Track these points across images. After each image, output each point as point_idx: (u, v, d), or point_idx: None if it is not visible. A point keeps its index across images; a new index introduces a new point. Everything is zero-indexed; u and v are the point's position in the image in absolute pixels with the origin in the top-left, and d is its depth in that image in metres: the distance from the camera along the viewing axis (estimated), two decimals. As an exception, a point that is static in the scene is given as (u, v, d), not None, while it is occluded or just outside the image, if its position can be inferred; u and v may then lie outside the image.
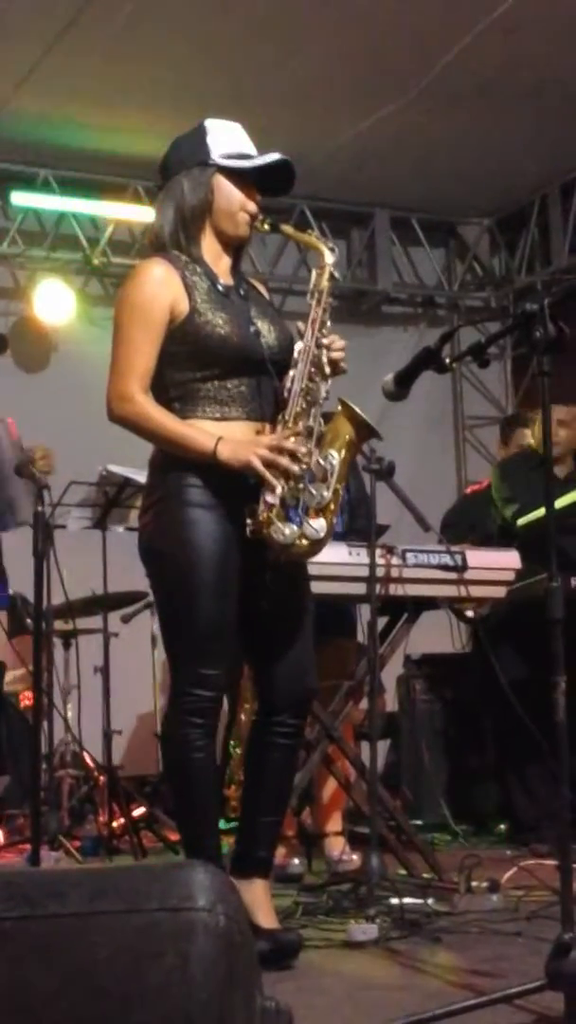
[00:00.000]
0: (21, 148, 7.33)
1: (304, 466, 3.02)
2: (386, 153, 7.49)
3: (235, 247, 3.28)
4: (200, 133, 3.22)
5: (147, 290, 3.11)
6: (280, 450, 3.00)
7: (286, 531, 3.01)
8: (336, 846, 4.61)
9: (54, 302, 7.62)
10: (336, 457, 3.09)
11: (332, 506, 3.07)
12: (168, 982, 1.22)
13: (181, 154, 3.24)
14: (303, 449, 3.03)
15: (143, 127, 6.72)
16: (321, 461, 3.07)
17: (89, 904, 1.26)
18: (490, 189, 8.28)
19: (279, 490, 3.00)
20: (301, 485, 3.03)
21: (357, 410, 3.16)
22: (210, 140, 3.19)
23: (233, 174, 3.18)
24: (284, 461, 2.99)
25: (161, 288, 3.09)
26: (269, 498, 3.01)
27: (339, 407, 3.18)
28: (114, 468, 5.20)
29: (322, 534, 3.03)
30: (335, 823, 4.72)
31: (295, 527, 3.01)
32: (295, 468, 3.00)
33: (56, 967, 1.24)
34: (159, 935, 1.24)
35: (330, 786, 4.68)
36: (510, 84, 6.81)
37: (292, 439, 3.03)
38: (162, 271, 3.12)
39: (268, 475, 2.99)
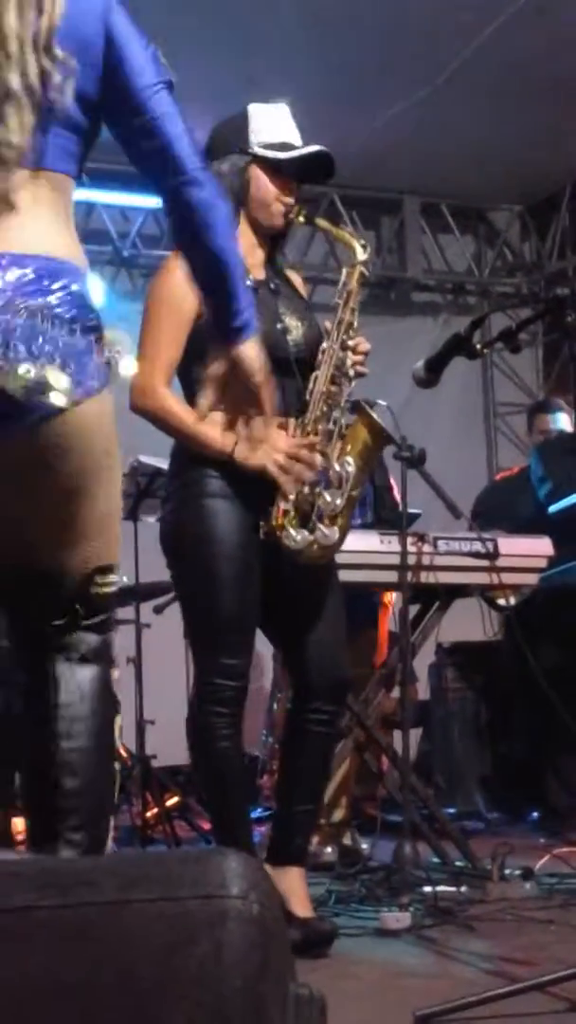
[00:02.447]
0: (51, 140, 7.33)
1: (319, 473, 3.03)
2: (415, 140, 7.46)
3: (272, 237, 3.27)
4: (241, 119, 3.20)
5: (177, 283, 3.09)
6: (296, 457, 3.00)
7: (297, 537, 3.04)
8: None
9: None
10: (352, 464, 3.09)
11: (346, 512, 3.09)
12: (202, 970, 1.22)
13: (221, 139, 3.22)
14: (318, 457, 3.04)
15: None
16: (337, 467, 3.08)
17: (122, 892, 1.26)
18: (520, 175, 8.23)
19: (292, 496, 3.01)
20: (317, 491, 3.03)
21: (375, 416, 3.16)
22: (251, 127, 3.17)
23: (270, 164, 3.16)
24: (299, 468, 2.99)
25: (190, 281, 3.09)
26: (282, 504, 3.03)
27: (359, 413, 3.18)
28: (145, 459, 5.20)
29: (333, 540, 3.06)
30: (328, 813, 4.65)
31: (307, 533, 3.03)
32: (309, 476, 3.01)
33: (89, 956, 1.24)
34: (192, 923, 1.25)
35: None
36: (540, 68, 6.77)
37: (309, 445, 3.03)
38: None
39: (283, 480, 3.00)
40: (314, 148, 3.18)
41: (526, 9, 6.18)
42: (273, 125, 3.19)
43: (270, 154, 3.16)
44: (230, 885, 1.26)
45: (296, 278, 3.39)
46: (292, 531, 3.04)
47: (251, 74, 6.33)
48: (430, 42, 6.52)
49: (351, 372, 3.12)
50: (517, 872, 3.77)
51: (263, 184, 3.17)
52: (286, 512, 3.04)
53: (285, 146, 3.17)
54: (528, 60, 6.68)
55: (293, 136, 3.20)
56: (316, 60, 6.59)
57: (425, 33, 6.42)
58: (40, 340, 1.89)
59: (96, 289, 7.77)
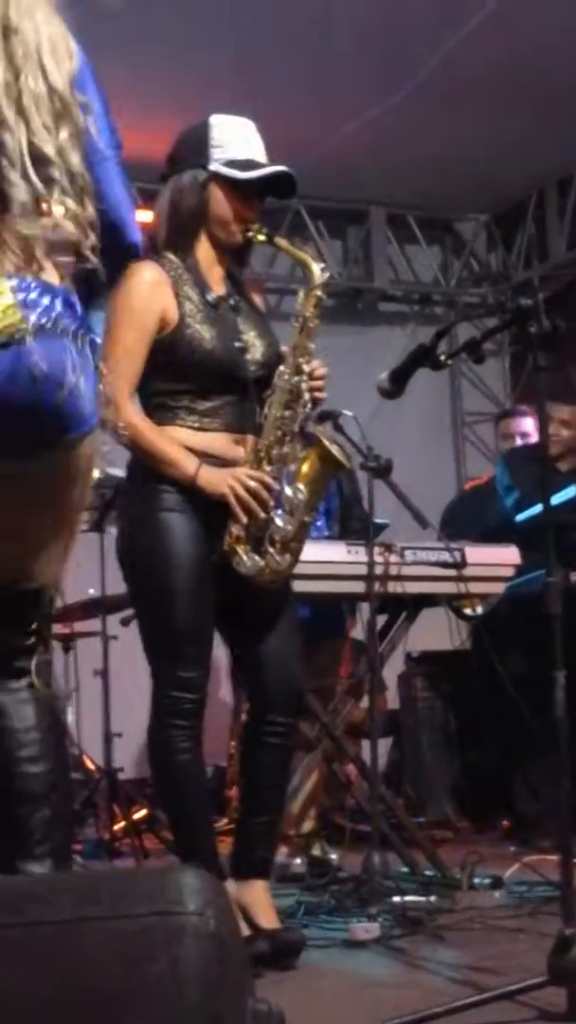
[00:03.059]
0: (15, 151, 7.31)
1: (272, 501, 3.04)
2: (381, 150, 7.47)
3: (233, 252, 3.26)
4: (203, 131, 3.16)
5: (140, 295, 3.09)
6: (252, 490, 3.01)
7: (248, 562, 3.06)
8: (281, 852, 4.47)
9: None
10: (304, 491, 3.10)
11: (298, 538, 3.10)
12: (159, 986, 1.21)
13: (183, 151, 3.20)
14: (275, 485, 3.05)
15: (142, 126, 6.69)
16: (290, 493, 3.08)
17: (78, 910, 1.25)
18: (486, 185, 8.26)
19: (245, 522, 3.03)
20: (269, 516, 3.04)
21: (328, 445, 3.18)
22: (212, 142, 3.13)
23: (230, 183, 3.13)
24: (253, 505, 3.01)
25: (154, 294, 3.09)
26: (234, 529, 3.04)
27: (314, 440, 3.19)
28: (111, 470, 5.18)
29: (284, 566, 3.09)
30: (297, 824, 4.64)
31: (258, 558, 3.04)
32: (261, 514, 3.03)
33: (45, 974, 1.23)
34: (149, 940, 1.24)
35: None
36: (505, 79, 6.79)
37: (264, 474, 3.05)
38: (154, 275, 3.10)
39: (238, 510, 3.02)
40: (275, 168, 3.15)
41: (491, 19, 6.20)
42: (236, 140, 3.15)
43: (230, 173, 3.13)
44: (186, 901, 1.25)
45: (256, 294, 3.38)
46: (244, 556, 3.06)
47: (215, 82, 6.34)
48: (395, 52, 6.54)
49: (306, 397, 3.11)
50: (486, 881, 3.77)
51: (222, 202, 3.15)
52: (238, 537, 3.05)
53: (247, 164, 3.13)
54: (493, 70, 6.71)
55: (256, 152, 3.16)
56: (281, 69, 6.60)
57: (390, 43, 6.44)
58: (82, 363, 1.91)
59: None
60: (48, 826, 1.95)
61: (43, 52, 1.89)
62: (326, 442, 3.18)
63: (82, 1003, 1.23)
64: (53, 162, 1.91)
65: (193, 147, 3.17)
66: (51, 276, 1.93)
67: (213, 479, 3.02)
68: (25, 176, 1.86)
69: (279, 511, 3.07)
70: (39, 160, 1.89)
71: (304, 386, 3.11)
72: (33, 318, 1.81)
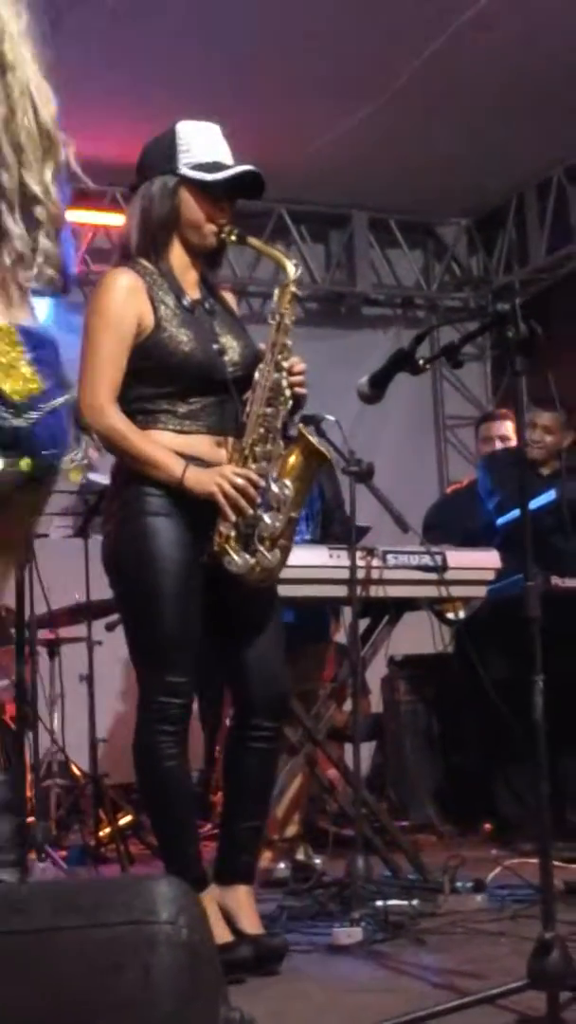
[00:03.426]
0: (-3, 156, 7.31)
1: (259, 498, 3.04)
2: (363, 155, 7.49)
3: (207, 256, 3.27)
4: (170, 138, 3.18)
5: (116, 301, 3.10)
6: (239, 487, 3.02)
7: (239, 561, 3.06)
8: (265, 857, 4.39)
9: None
10: (290, 487, 3.11)
11: (286, 534, 3.11)
12: (131, 995, 1.22)
13: (152, 159, 3.22)
14: (261, 482, 3.05)
15: (120, 132, 6.70)
16: (276, 489, 3.09)
17: (51, 919, 1.26)
18: (467, 189, 8.29)
19: (234, 520, 3.03)
20: (257, 513, 3.05)
21: (312, 439, 3.18)
22: (180, 147, 3.16)
23: (199, 185, 3.15)
24: (242, 502, 3.02)
25: (130, 299, 3.10)
26: (223, 528, 3.04)
27: (297, 435, 3.19)
28: (94, 476, 5.18)
29: (275, 563, 3.10)
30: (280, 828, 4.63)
31: (248, 557, 3.05)
32: (249, 511, 3.04)
33: (19, 983, 1.24)
34: (122, 949, 1.24)
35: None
36: (486, 83, 6.82)
37: (250, 471, 3.05)
38: (129, 281, 3.12)
39: (227, 508, 3.02)
40: (242, 168, 3.17)
41: (471, 25, 6.22)
42: (202, 144, 3.18)
43: (198, 176, 3.15)
44: (159, 910, 1.26)
45: (229, 296, 3.39)
46: (234, 555, 3.06)
47: (195, 89, 6.34)
48: (377, 58, 6.57)
49: (287, 393, 3.12)
50: (469, 885, 3.78)
51: (193, 206, 3.16)
52: (228, 537, 3.05)
53: (215, 166, 3.15)
54: (473, 75, 6.74)
55: (223, 154, 3.19)
56: (263, 75, 6.62)
57: (372, 49, 6.47)
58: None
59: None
60: (13, 836, 1.96)
61: (33, 89, 1.89)
62: (309, 436, 3.18)
63: (55, 1012, 1.24)
64: (41, 201, 1.91)
65: (161, 154, 3.19)
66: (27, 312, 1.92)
67: (201, 478, 3.03)
68: (19, 219, 1.86)
69: (266, 508, 3.07)
70: (29, 200, 1.89)
71: (284, 383, 3.12)
72: (45, 380, 1.79)
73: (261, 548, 3.06)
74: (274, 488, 3.09)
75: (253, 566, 3.06)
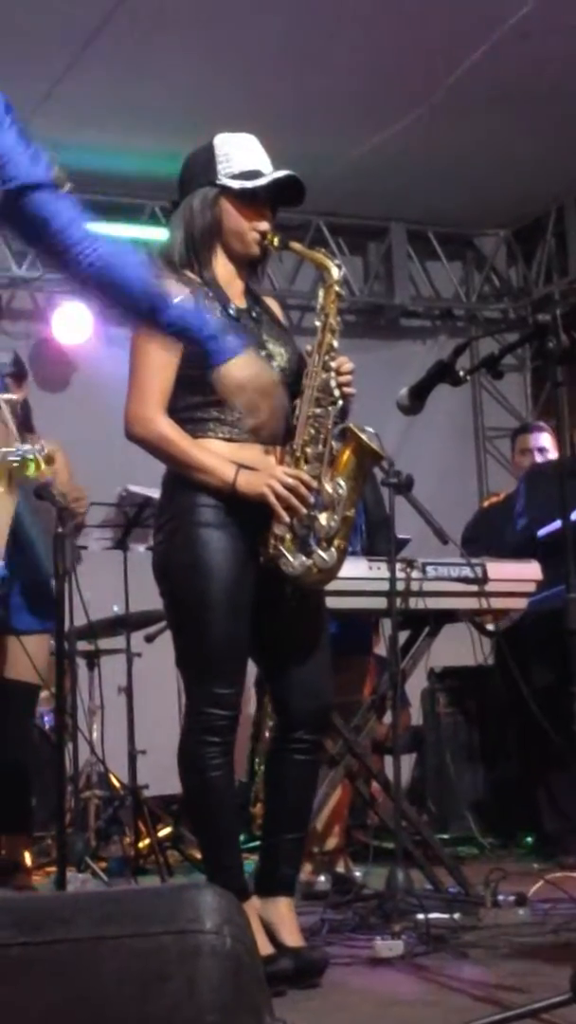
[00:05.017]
0: (38, 172, 7.36)
1: (313, 497, 3.03)
2: (401, 166, 7.50)
3: (250, 265, 3.28)
4: (208, 151, 3.21)
5: None
6: (293, 490, 3.00)
7: (295, 563, 3.04)
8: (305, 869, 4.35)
9: (73, 324, 7.66)
10: (344, 486, 3.10)
11: (342, 534, 3.09)
12: (175, 1006, 1.22)
13: (191, 173, 3.24)
14: (313, 482, 3.04)
15: (158, 148, 6.75)
16: (330, 489, 3.08)
17: (95, 929, 1.26)
18: (506, 200, 8.28)
19: (287, 521, 3.02)
20: (312, 513, 3.04)
21: (363, 437, 3.16)
22: (219, 159, 3.18)
23: (240, 194, 3.16)
24: (294, 501, 3.00)
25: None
26: (278, 530, 3.03)
27: (348, 433, 3.18)
28: (134, 488, 5.20)
29: (332, 563, 3.06)
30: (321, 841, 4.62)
31: (304, 558, 3.04)
32: (303, 510, 3.02)
33: (63, 993, 1.24)
34: (166, 959, 1.24)
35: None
36: (525, 93, 6.81)
37: (301, 472, 3.04)
38: (176, 291, 3.13)
39: (279, 509, 3.01)
40: (282, 173, 3.19)
41: (510, 35, 6.22)
42: (241, 154, 3.19)
43: (238, 184, 3.16)
44: (203, 920, 1.25)
45: (275, 305, 3.39)
46: (290, 557, 3.04)
47: (234, 103, 6.37)
48: (415, 69, 6.57)
49: (336, 393, 3.12)
50: (510, 898, 3.75)
51: (235, 214, 3.18)
52: (283, 539, 3.03)
53: (254, 174, 3.17)
54: (512, 86, 6.73)
55: (262, 163, 3.20)
56: (301, 87, 6.64)
57: (410, 60, 6.47)
58: None
59: (85, 318, 7.69)
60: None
61: None
62: (360, 434, 3.17)
63: (99, 1022, 1.24)
64: None
65: (200, 167, 3.21)
66: None
67: (252, 480, 3.02)
68: None
69: (321, 508, 3.06)
70: None
71: (333, 383, 3.11)
72: None
73: (317, 549, 3.05)
74: (328, 488, 3.08)
75: (310, 567, 3.05)
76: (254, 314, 3.24)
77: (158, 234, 7.52)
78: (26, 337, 7.74)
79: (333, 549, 3.07)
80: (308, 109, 6.81)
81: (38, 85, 6.42)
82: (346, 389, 3.15)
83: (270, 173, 3.18)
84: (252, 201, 3.18)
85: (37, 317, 7.80)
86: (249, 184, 3.16)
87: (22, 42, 6.04)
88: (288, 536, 3.04)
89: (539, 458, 5.78)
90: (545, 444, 5.78)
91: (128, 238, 7.82)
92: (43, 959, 1.26)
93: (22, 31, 5.97)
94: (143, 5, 5.84)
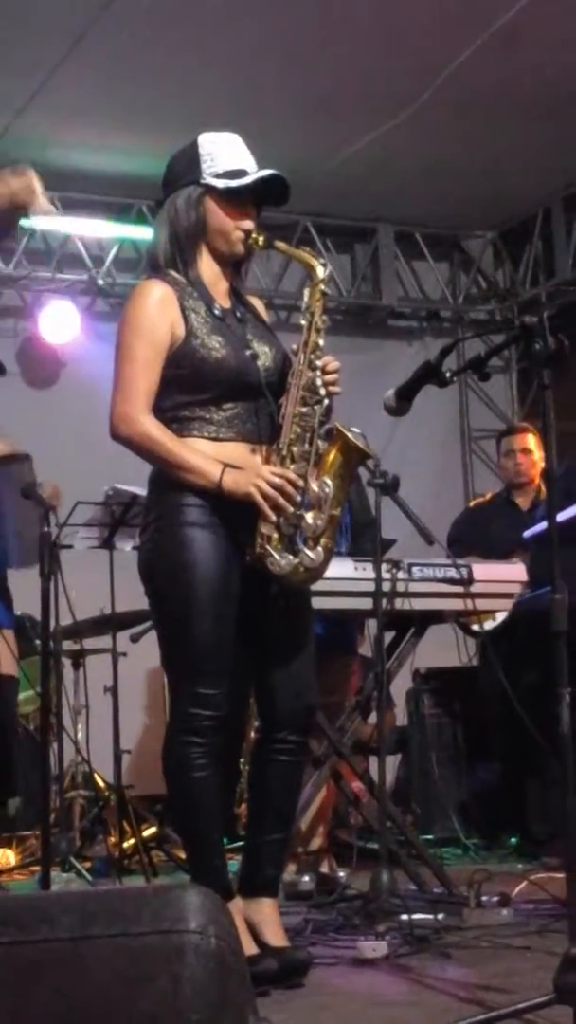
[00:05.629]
0: (25, 170, 7.36)
1: (299, 497, 3.03)
2: (388, 168, 7.50)
3: (234, 265, 3.28)
4: (192, 151, 3.20)
5: (149, 312, 3.11)
6: (276, 486, 3.00)
7: (282, 562, 3.04)
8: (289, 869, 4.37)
9: (60, 321, 7.66)
10: (330, 484, 3.10)
11: (329, 532, 3.08)
12: (160, 1005, 1.22)
13: (175, 173, 3.24)
14: (300, 481, 3.04)
15: (146, 147, 6.75)
16: (316, 488, 3.08)
17: (80, 928, 1.25)
18: (493, 202, 8.29)
19: (274, 520, 3.02)
20: (298, 512, 3.04)
21: (350, 437, 3.16)
22: (203, 158, 3.17)
23: (224, 192, 3.16)
24: (280, 500, 3.00)
25: (162, 309, 3.11)
26: (264, 529, 3.03)
27: (335, 432, 3.18)
28: (120, 487, 5.20)
29: (319, 562, 3.06)
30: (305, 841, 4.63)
31: (291, 557, 3.04)
32: (289, 508, 3.02)
33: (47, 992, 1.23)
34: (150, 958, 1.24)
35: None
36: (511, 96, 6.82)
37: (291, 481, 3.03)
38: (161, 292, 3.13)
39: (266, 508, 3.00)
40: (266, 172, 3.18)
41: (495, 38, 6.23)
42: (225, 153, 3.19)
43: (222, 183, 3.16)
44: (188, 920, 1.25)
45: (259, 304, 3.39)
46: (277, 556, 3.03)
47: (223, 103, 6.37)
48: (401, 71, 6.57)
49: (322, 391, 3.11)
50: (494, 899, 3.76)
51: (219, 213, 3.17)
52: (269, 537, 3.03)
53: (238, 173, 3.17)
54: (498, 88, 6.74)
55: (246, 162, 3.20)
56: (289, 88, 6.64)
57: (396, 62, 6.47)
58: None
59: (73, 316, 7.71)
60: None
61: None
62: (347, 433, 3.17)
63: (83, 1021, 1.23)
64: None
65: (184, 166, 3.21)
66: None
67: (239, 479, 3.01)
68: None
69: (307, 507, 3.06)
70: None
71: (319, 381, 3.11)
72: None
73: (304, 548, 3.05)
74: (314, 487, 3.07)
75: (296, 566, 3.05)
76: (238, 314, 3.24)
77: (146, 233, 7.53)
78: (14, 335, 7.73)
79: (320, 548, 3.07)
80: (296, 110, 6.81)
81: (27, 82, 6.41)
82: (332, 388, 3.14)
83: (255, 172, 3.18)
84: (237, 200, 3.17)
85: (24, 315, 7.79)
86: (234, 183, 3.16)
87: (12, 38, 6.03)
88: (275, 535, 3.04)
89: (523, 460, 5.80)
90: (529, 446, 5.80)
91: (116, 237, 7.85)
92: (27, 958, 1.25)
93: (11, 27, 5.96)
94: (134, 4, 5.83)
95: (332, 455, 3.15)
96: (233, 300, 3.26)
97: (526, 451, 5.81)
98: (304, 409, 3.10)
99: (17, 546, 4.39)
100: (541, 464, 5.72)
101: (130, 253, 7.90)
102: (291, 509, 3.02)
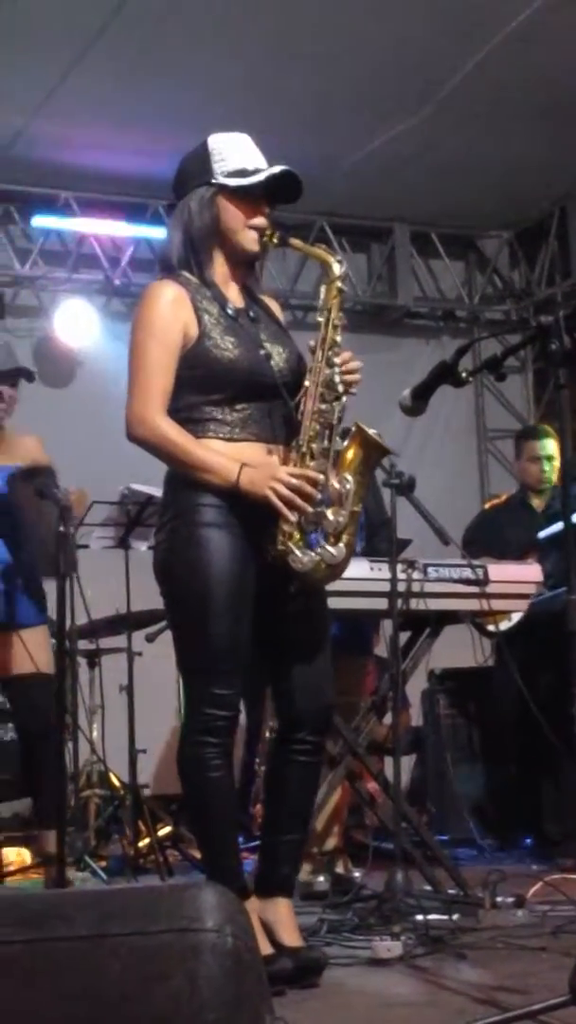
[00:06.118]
0: (42, 171, 7.38)
1: (319, 493, 3.03)
2: (404, 168, 7.50)
3: (248, 265, 3.28)
4: (203, 152, 3.20)
5: (162, 312, 3.11)
6: (297, 490, 2.99)
7: (304, 559, 3.02)
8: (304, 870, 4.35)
9: (77, 321, 7.67)
10: (351, 481, 3.09)
11: (350, 529, 3.07)
12: (176, 1004, 1.22)
13: (187, 175, 3.24)
14: (319, 477, 3.03)
15: (161, 147, 6.73)
16: (337, 484, 3.06)
17: (97, 926, 1.26)
18: (509, 202, 8.28)
19: (294, 518, 3.01)
20: (319, 509, 3.03)
21: (370, 432, 3.14)
22: (213, 158, 3.17)
23: (236, 191, 3.16)
24: (298, 501, 2.99)
25: (175, 310, 3.10)
26: (286, 526, 3.02)
27: (353, 428, 3.17)
28: (136, 487, 5.20)
29: (340, 558, 3.05)
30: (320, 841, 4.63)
31: (313, 554, 3.02)
32: (308, 508, 3.01)
33: (64, 991, 1.24)
34: (167, 957, 1.24)
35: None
36: (527, 96, 6.81)
37: (310, 480, 3.01)
38: (174, 292, 3.13)
39: (284, 509, 2.99)
40: (278, 168, 3.17)
41: (512, 38, 6.22)
42: (235, 152, 3.19)
43: (234, 181, 3.16)
44: (205, 918, 1.25)
45: (273, 304, 3.38)
46: (299, 553, 3.02)
47: (238, 103, 6.37)
48: (418, 71, 6.57)
49: (340, 388, 3.11)
50: (509, 900, 3.76)
51: (233, 211, 3.17)
52: (290, 535, 3.03)
53: (249, 171, 3.16)
54: (515, 88, 6.73)
55: (257, 160, 3.20)
56: (305, 89, 6.64)
57: (413, 62, 6.47)
58: None
59: (89, 316, 7.72)
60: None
61: None
62: (365, 428, 3.16)
63: (99, 1020, 1.23)
64: None
65: (196, 168, 3.21)
66: None
67: (256, 479, 3.00)
68: None
69: (328, 504, 3.05)
70: None
71: (337, 378, 3.11)
72: None
73: (326, 544, 3.04)
74: (334, 483, 3.06)
75: (318, 563, 3.03)
76: (252, 314, 3.23)
77: (161, 233, 7.53)
78: (30, 335, 7.75)
79: (341, 544, 3.05)
80: (312, 110, 6.81)
81: (43, 83, 6.42)
82: (350, 382, 3.12)
83: (266, 169, 3.18)
84: (250, 198, 3.17)
85: (40, 314, 7.81)
86: (246, 180, 3.15)
87: (26, 39, 6.05)
88: (296, 533, 3.03)
89: (547, 466, 5.78)
90: (552, 452, 5.78)
91: (132, 237, 7.86)
92: (44, 956, 1.26)
93: (26, 28, 5.97)
94: (147, 4, 5.84)
95: (352, 451, 3.14)
96: (247, 300, 3.25)
97: (550, 458, 5.79)
98: (323, 406, 3.09)
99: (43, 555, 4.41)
100: None
101: (146, 253, 7.91)
102: (310, 508, 3.02)
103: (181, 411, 3.11)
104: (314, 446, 3.08)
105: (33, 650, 4.25)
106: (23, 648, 4.27)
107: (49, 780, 4.20)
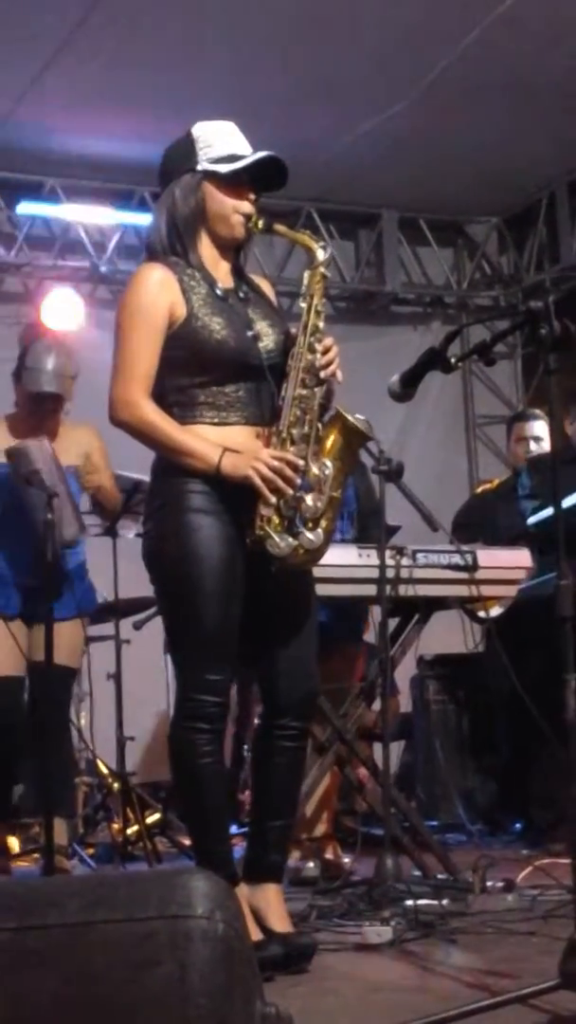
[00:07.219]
0: (27, 158, 7.35)
1: (299, 478, 3.02)
2: (392, 154, 7.48)
3: (235, 249, 3.27)
4: (187, 140, 3.20)
5: (147, 294, 3.10)
6: (275, 468, 2.99)
7: (282, 544, 3.02)
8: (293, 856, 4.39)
9: (63, 309, 7.63)
10: (330, 466, 3.08)
11: (329, 515, 3.07)
12: (167, 990, 1.22)
13: (172, 163, 3.23)
14: (299, 462, 3.03)
15: (148, 133, 6.70)
16: (316, 470, 3.06)
17: (87, 913, 1.25)
18: (497, 187, 8.27)
19: (273, 502, 3.01)
20: (298, 494, 3.03)
21: (350, 418, 3.14)
22: (198, 145, 3.17)
23: (221, 177, 3.15)
24: (279, 483, 2.99)
25: (161, 291, 3.10)
26: (264, 511, 3.01)
27: (333, 413, 3.17)
28: (124, 473, 5.18)
29: (318, 543, 3.05)
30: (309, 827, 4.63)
31: (291, 539, 3.02)
32: (288, 491, 3.00)
33: (54, 978, 1.23)
34: (157, 943, 1.24)
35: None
36: (516, 81, 6.80)
37: (291, 464, 3.01)
38: (160, 275, 3.12)
39: (265, 490, 2.99)
40: (262, 154, 3.17)
41: (500, 22, 6.20)
42: (220, 139, 3.18)
43: (219, 167, 3.15)
44: (195, 905, 1.25)
45: (266, 285, 3.37)
46: (277, 538, 3.02)
47: (225, 88, 6.35)
48: (405, 56, 6.55)
49: (321, 374, 3.11)
50: (499, 884, 3.76)
51: (218, 197, 3.16)
52: (269, 519, 3.02)
53: (234, 157, 3.16)
54: (503, 73, 6.71)
55: (242, 147, 3.19)
56: (292, 73, 6.61)
57: (400, 47, 6.45)
58: None
59: (75, 303, 7.71)
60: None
61: None
62: (347, 414, 3.15)
63: (89, 1006, 1.23)
64: None
65: (181, 156, 3.20)
66: None
67: (237, 463, 3.00)
68: None
69: (307, 490, 3.05)
70: None
71: (319, 363, 3.10)
72: None
73: (303, 530, 3.04)
74: (314, 469, 3.06)
75: (296, 548, 3.03)
76: (241, 294, 3.22)
77: (148, 219, 7.50)
78: (17, 322, 7.71)
79: (320, 530, 3.05)
80: (299, 95, 6.78)
81: (29, 68, 6.39)
82: (329, 369, 3.12)
83: (252, 154, 3.17)
84: (235, 184, 3.16)
85: (27, 301, 7.78)
86: (231, 166, 3.15)
87: (11, 26, 6.01)
88: (275, 518, 3.03)
89: (534, 446, 5.78)
90: (540, 433, 5.78)
91: (118, 223, 7.83)
92: (35, 943, 1.25)
93: (11, 15, 5.94)
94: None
95: (332, 437, 3.14)
96: (236, 280, 3.25)
97: (537, 438, 5.79)
98: (304, 391, 3.09)
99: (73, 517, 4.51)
100: None
101: (132, 240, 7.88)
102: (290, 492, 3.01)
103: (171, 393, 3.10)
104: (294, 431, 3.07)
105: (62, 643, 4.29)
106: (53, 640, 4.24)
107: (59, 770, 4.27)
